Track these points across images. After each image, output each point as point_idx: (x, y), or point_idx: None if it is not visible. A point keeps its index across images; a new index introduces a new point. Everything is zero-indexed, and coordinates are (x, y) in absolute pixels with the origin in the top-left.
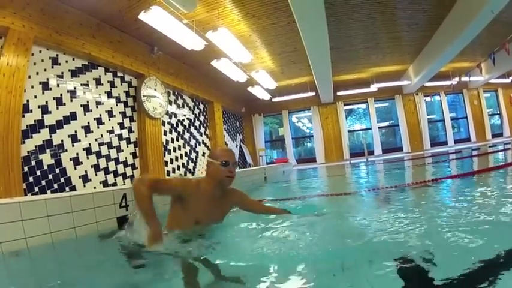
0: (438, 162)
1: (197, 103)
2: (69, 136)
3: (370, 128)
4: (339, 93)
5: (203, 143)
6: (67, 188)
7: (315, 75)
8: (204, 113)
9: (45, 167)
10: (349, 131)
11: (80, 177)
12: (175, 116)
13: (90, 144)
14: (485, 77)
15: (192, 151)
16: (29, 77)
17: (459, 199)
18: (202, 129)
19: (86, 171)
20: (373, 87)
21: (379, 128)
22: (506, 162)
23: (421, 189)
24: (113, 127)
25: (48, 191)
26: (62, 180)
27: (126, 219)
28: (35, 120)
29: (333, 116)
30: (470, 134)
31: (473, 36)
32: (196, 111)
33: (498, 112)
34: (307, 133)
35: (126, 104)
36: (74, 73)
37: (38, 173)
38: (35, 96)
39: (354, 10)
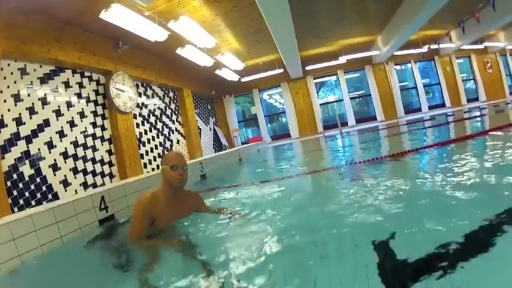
0: (412, 131)
1: (167, 91)
2: (45, 144)
3: (342, 100)
4: (307, 68)
5: (176, 130)
6: (49, 195)
7: (281, 53)
8: (175, 101)
9: (27, 178)
10: (321, 104)
11: (60, 183)
12: (146, 107)
13: (66, 148)
14: (456, 43)
15: (167, 140)
16: (1, 92)
17: (428, 175)
18: (174, 117)
19: (65, 176)
20: (342, 60)
21: (351, 98)
22: (482, 130)
23: (390, 164)
24: (86, 128)
25: (33, 201)
26: (44, 188)
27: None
28: (11, 134)
29: (303, 90)
30: (445, 99)
31: (441, 5)
32: (167, 99)
33: (472, 77)
34: (280, 109)
35: (96, 103)
36: (43, 80)
37: (21, 185)
38: (8, 110)
39: None
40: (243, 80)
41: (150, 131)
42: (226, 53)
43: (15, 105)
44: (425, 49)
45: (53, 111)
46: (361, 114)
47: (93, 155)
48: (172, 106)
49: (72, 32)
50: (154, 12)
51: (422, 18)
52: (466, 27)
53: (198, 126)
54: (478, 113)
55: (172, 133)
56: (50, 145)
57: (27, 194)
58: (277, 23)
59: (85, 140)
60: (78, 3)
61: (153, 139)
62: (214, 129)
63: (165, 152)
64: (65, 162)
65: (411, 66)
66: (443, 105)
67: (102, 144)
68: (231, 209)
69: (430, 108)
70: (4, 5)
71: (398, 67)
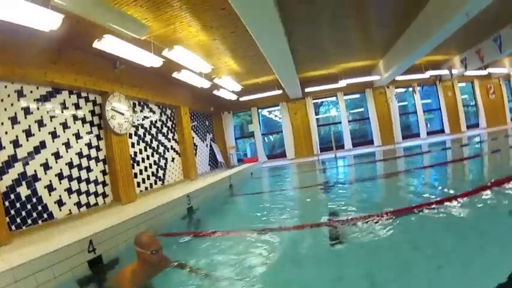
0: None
1: (164, 109)
2: (41, 165)
3: (340, 122)
4: (307, 90)
5: (172, 148)
6: (45, 215)
7: (278, 76)
8: (172, 118)
9: (23, 199)
10: (319, 126)
11: (55, 203)
12: (142, 126)
13: (61, 169)
14: (459, 70)
15: (161, 158)
16: None
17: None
18: (170, 135)
19: (60, 196)
20: (342, 83)
21: (349, 121)
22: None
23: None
24: (81, 149)
25: (29, 220)
26: (40, 208)
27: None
28: (8, 156)
29: (302, 111)
30: (444, 126)
31: (445, 37)
32: (163, 117)
33: (474, 103)
34: (280, 124)
35: (92, 124)
36: (40, 102)
37: (18, 205)
38: (6, 133)
39: (315, 11)
40: (241, 99)
41: (145, 150)
42: (223, 77)
43: (13, 127)
44: (428, 75)
45: (49, 133)
46: (359, 138)
47: (88, 175)
48: (169, 124)
49: (69, 54)
50: (150, 37)
51: (426, 47)
52: (468, 62)
53: (194, 143)
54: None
55: (168, 151)
56: (46, 166)
57: (23, 213)
58: (271, 49)
59: (80, 161)
60: (76, 27)
61: (148, 158)
62: (211, 146)
63: (159, 171)
64: (60, 183)
65: (412, 91)
66: (442, 131)
67: (97, 165)
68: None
69: (429, 134)
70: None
71: (399, 90)
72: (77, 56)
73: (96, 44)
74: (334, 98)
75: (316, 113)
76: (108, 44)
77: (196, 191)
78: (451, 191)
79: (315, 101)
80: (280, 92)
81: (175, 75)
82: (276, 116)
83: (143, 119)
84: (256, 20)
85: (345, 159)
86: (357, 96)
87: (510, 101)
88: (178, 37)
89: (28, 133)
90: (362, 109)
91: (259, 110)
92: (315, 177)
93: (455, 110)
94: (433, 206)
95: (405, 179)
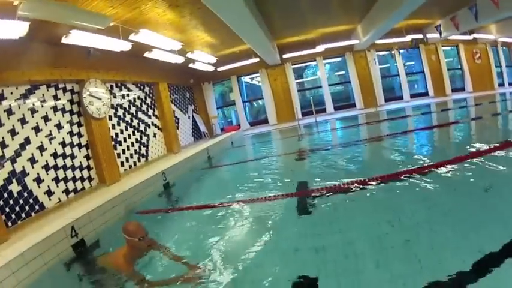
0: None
1: (142, 87)
2: (28, 160)
3: (321, 86)
4: (285, 56)
5: (153, 124)
6: (36, 206)
7: (250, 45)
8: (151, 95)
9: (16, 195)
10: (299, 90)
11: (45, 193)
12: (122, 106)
13: (47, 161)
14: (443, 35)
15: (143, 135)
16: None
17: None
18: (150, 112)
19: (48, 186)
20: (320, 48)
21: (329, 85)
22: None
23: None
24: (63, 138)
25: (23, 214)
26: (31, 201)
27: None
28: None
29: (281, 77)
30: (428, 89)
31: (422, 1)
32: (142, 95)
33: (459, 67)
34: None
35: (72, 112)
36: (20, 100)
37: (11, 202)
38: None
39: None
40: (219, 69)
41: (126, 129)
42: (195, 51)
43: None
44: (409, 38)
45: (32, 128)
46: (341, 101)
47: (72, 162)
48: (148, 101)
49: (43, 51)
50: (118, 22)
51: (403, 11)
52: (442, 27)
53: (176, 116)
54: (455, 114)
55: (149, 127)
56: (33, 160)
57: (17, 208)
58: (234, 21)
59: (63, 150)
60: (45, 25)
61: (129, 137)
62: (193, 117)
63: (142, 148)
64: (47, 173)
65: (394, 54)
66: (426, 94)
67: (80, 151)
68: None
69: (413, 96)
70: None
71: (380, 53)
72: (50, 50)
73: (65, 40)
74: (314, 63)
75: (301, 77)
76: (75, 38)
77: (172, 167)
78: (428, 160)
79: (298, 65)
80: (257, 60)
81: (147, 55)
82: (259, 81)
83: (122, 100)
84: None
85: (326, 123)
86: (339, 59)
87: (497, 67)
88: (146, 18)
89: (13, 132)
90: (343, 72)
91: (240, 78)
92: (293, 144)
93: (440, 74)
94: (405, 175)
95: (382, 145)
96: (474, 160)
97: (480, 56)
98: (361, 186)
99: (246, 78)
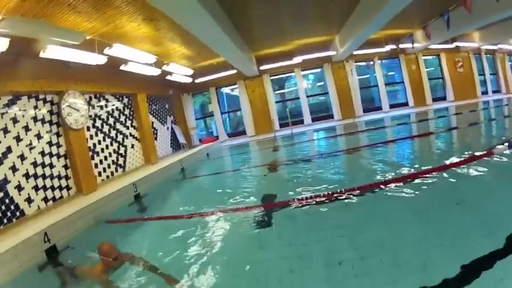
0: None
1: (120, 98)
2: (9, 168)
3: (299, 98)
4: (262, 67)
5: (131, 135)
6: (17, 213)
7: (225, 58)
8: (129, 106)
9: None
10: (277, 102)
11: (25, 200)
12: (100, 117)
13: (27, 169)
14: (422, 44)
15: (121, 146)
16: None
17: None
18: (128, 123)
19: (28, 194)
20: (297, 60)
21: (308, 96)
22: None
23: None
24: (43, 148)
25: (5, 220)
26: (12, 207)
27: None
28: None
29: (259, 88)
30: (408, 98)
31: (395, 11)
32: (121, 106)
33: (441, 76)
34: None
35: (51, 123)
36: (3, 110)
37: None
38: None
39: None
40: (197, 80)
41: (104, 140)
42: (171, 64)
43: None
44: (387, 48)
45: (13, 138)
46: (319, 112)
47: (51, 171)
48: (127, 112)
49: (24, 64)
50: (95, 36)
51: (377, 22)
52: (432, 31)
53: (155, 127)
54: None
55: (127, 138)
56: (14, 169)
57: (0, 214)
58: (204, 36)
59: (43, 159)
60: (22, 44)
61: (107, 147)
62: (172, 128)
63: (120, 158)
64: (27, 181)
65: (373, 64)
66: (405, 104)
67: (59, 161)
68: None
69: (392, 107)
70: None
71: (359, 64)
72: (31, 63)
73: (42, 54)
74: (292, 74)
75: (282, 88)
76: (52, 52)
77: (144, 178)
78: (401, 171)
79: (278, 76)
80: (235, 71)
81: (123, 67)
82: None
83: (100, 111)
84: (178, 12)
85: (303, 135)
86: (319, 70)
87: (481, 75)
88: (122, 32)
89: None
90: (323, 83)
91: (219, 90)
92: (268, 155)
93: (420, 83)
94: (374, 188)
95: (353, 157)
96: (442, 172)
97: (462, 65)
98: (326, 199)
99: (226, 90)
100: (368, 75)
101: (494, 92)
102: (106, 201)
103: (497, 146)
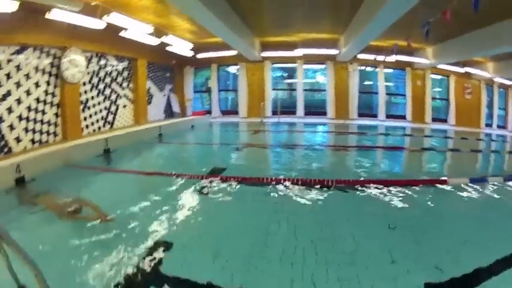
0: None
1: (121, 60)
2: (6, 109)
3: (295, 89)
4: (264, 54)
5: (125, 96)
6: (5, 149)
7: (222, 39)
8: (129, 69)
9: None
10: (274, 89)
11: (14, 139)
12: (97, 75)
13: (21, 112)
14: (431, 60)
15: (112, 104)
16: None
17: None
18: (125, 84)
19: (18, 134)
20: (297, 52)
21: (304, 90)
22: None
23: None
24: (38, 95)
25: None
26: (2, 143)
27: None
28: None
29: (259, 73)
30: (407, 112)
31: (392, 18)
32: (120, 67)
33: (446, 98)
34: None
35: (50, 74)
36: (9, 58)
37: None
38: None
39: None
40: (199, 55)
41: (97, 96)
42: (170, 35)
43: None
44: (381, 57)
45: (14, 83)
46: (313, 108)
47: (42, 117)
48: (125, 74)
49: (33, 20)
50: (98, 3)
51: (377, 24)
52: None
53: (150, 93)
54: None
55: (120, 98)
56: (10, 110)
57: None
58: (204, 21)
59: (37, 106)
60: (31, 5)
61: (99, 104)
62: (168, 96)
63: (109, 115)
64: (19, 123)
65: (377, 71)
66: (403, 117)
67: (51, 109)
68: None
69: (389, 117)
70: None
71: (364, 68)
72: (39, 20)
73: (47, 15)
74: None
75: (291, 78)
76: (55, 15)
77: (116, 136)
78: (359, 175)
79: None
80: (235, 52)
81: (122, 33)
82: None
83: (98, 69)
84: None
85: (289, 125)
86: (323, 66)
87: (488, 107)
88: (124, 2)
89: None
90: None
91: (224, 68)
92: (245, 136)
93: (422, 100)
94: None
95: (324, 154)
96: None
97: (471, 92)
98: (268, 184)
99: (233, 69)
100: (371, 82)
101: (499, 127)
102: (77, 149)
103: (462, 178)
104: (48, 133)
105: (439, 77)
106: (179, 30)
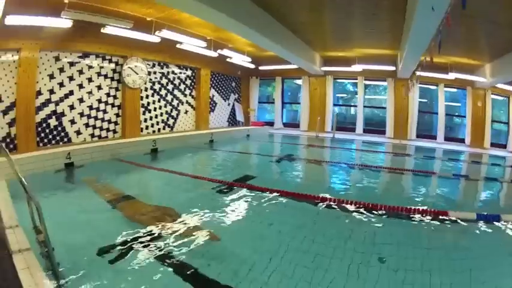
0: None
1: (184, 69)
2: (68, 106)
3: (356, 106)
4: (325, 68)
5: (187, 102)
6: (65, 139)
7: (282, 56)
8: (192, 77)
9: (52, 127)
10: (335, 105)
11: (75, 132)
12: (159, 82)
13: (83, 110)
14: (489, 80)
15: (174, 109)
16: (40, 72)
17: None
18: (187, 91)
19: (79, 128)
20: (355, 67)
21: (364, 107)
22: None
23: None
24: (101, 96)
25: (53, 141)
26: (63, 134)
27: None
28: (45, 99)
29: (321, 88)
30: (466, 136)
31: (427, 35)
32: (183, 76)
33: (507, 121)
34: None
35: (113, 79)
36: (72, 64)
37: (47, 130)
38: (45, 84)
39: None
40: (261, 68)
41: (159, 101)
42: (224, 49)
43: (50, 81)
44: (451, 76)
45: (77, 85)
46: (373, 125)
47: (103, 116)
48: (188, 82)
49: (93, 32)
50: (152, 19)
51: (417, 36)
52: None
53: (214, 101)
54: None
55: (182, 104)
56: (72, 107)
57: (50, 136)
58: (254, 40)
59: (98, 105)
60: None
61: (160, 108)
62: (233, 105)
63: (170, 119)
64: (81, 119)
65: (437, 89)
66: (462, 140)
67: (112, 109)
68: None
69: (447, 140)
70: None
71: (425, 86)
72: (99, 32)
73: (103, 30)
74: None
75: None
76: (110, 30)
77: (164, 139)
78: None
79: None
80: (296, 66)
81: (178, 46)
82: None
83: (161, 77)
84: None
85: (345, 142)
86: (384, 83)
87: None
88: (176, 18)
89: (61, 85)
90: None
91: (284, 80)
92: (296, 150)
93: (482, 123)
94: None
95: (369, 175)
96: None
97: None
98: (288, 198)
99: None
100: (433, 102)
101: None
102: (126, 146)
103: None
104: (108, 130)
105: (499, 97)
106: (238, 43)
